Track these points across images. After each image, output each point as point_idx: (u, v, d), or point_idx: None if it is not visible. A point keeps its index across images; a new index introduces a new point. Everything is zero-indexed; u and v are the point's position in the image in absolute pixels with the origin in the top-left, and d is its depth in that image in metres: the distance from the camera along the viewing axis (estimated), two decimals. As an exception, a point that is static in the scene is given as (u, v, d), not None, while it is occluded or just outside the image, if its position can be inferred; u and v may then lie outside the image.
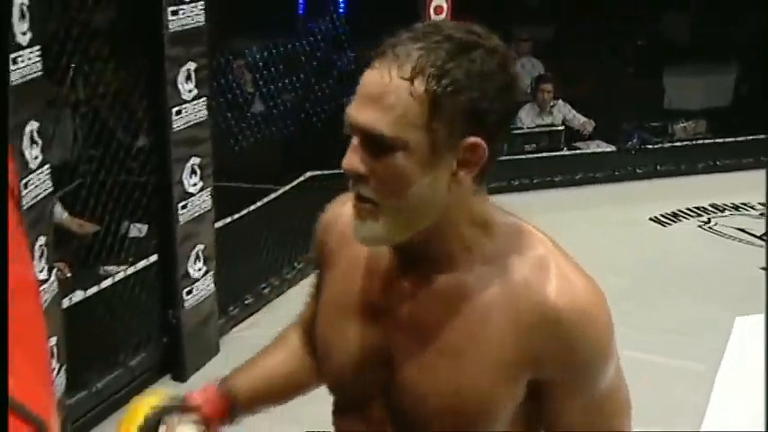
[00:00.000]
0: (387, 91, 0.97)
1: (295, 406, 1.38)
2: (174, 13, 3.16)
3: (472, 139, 0.98)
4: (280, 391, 1.36)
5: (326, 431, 1.27)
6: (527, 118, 5.88)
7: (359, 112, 0.99)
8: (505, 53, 1.01)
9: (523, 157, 5.51)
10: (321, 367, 1.19)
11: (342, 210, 1.14)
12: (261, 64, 4.90)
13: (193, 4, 3.23)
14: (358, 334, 1.10)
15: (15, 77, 2.41)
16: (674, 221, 5.07)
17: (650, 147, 5.93)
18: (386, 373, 1.08)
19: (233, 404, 1.30)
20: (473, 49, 0.98)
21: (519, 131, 5.66)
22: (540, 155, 5.56)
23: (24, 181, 2.48)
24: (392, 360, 1.08)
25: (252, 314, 3.96)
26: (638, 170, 5.76)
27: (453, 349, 1.04)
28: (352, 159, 0.99)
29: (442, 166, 0.99)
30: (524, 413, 1.06)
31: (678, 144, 6.03)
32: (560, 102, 5.90)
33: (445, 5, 4.69)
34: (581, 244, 5.09)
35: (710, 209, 5.20)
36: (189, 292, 3.41)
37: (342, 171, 1.02)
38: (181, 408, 1.26)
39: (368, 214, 1.01)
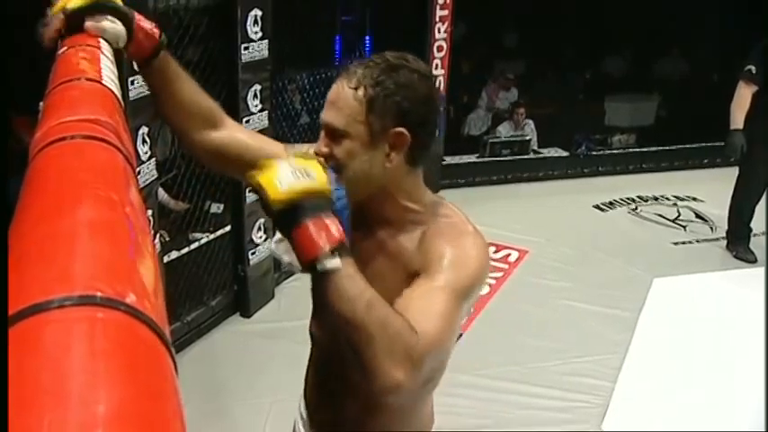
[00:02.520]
0: (340, 97, 1.04)
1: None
2: (246, 48, 3.18)
3: (398, 129, 1.03)
4: (179, 84, 1.18)
5: None
6: (504, 131, 5.87)
7: (325, 114, 1.06)
8: (425, 73, 1.07)
9: (501, 159, 5.49)
10: None
11: None
12: (307, 87, 4.91)
13: (260, 42, 3.24)
14: None
15: (132, 94, 2.44)
16: (610, 208, 5.05)
17: (594, 153, 5.89)
18: None
19: (158, 47, 1.13)
20: (400, 68, 1.04)
21: (497, 140, 5.64)
22: (513, 157, 5.54)
23: (138, 170, 2.51)
24: None
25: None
26: (584, 170, 5.72)
27: (380, 277, 1.04)
28: (320, 145, 1.06)
29: (379, 148, 1.04)
30: None
31: (615, 151, 5.99)
32: (530, 121, 5.88)
33: (445, 45, 4.67)
34: (542, 223, 5.07)
35: (637, 199, 5.17)
36: (253, 253, 3.45)
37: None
38: (115, 11, 1.04)
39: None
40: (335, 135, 1.04)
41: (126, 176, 0.51)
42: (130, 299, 0.32)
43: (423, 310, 0.96)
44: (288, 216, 0.89)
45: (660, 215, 4.87)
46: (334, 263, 0.88)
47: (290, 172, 0.89)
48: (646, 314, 3.50)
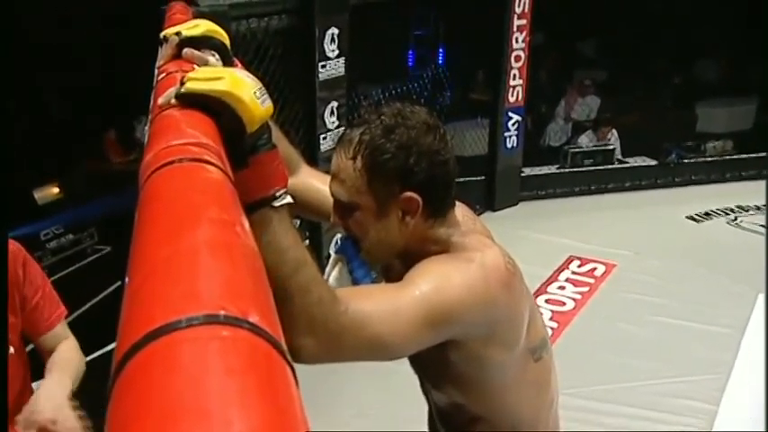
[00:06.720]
0: (341, 169, 1.02)
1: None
2: (323, 66, 3.26)
3: (407, 195, 1.00)
4: None
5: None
6: (586, 141, 5.73)
7: (331, 185, 1.04)
8: (423, 128, 1.01)
9: (583, 169, 5.35)
10: None
11: None
12: (382, 102, 4.98)
13: (336, 60, 3.32)
14: None
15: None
16: (706, 219, 4.81)
17: (686, 161, 5.65)
18: None
19: None
20: (396, 127, 1.00)
21: (579, 150, 5.51)
22: (596, 168, 5.39)
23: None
24: None
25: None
26: (675, 179, 5.48)
27: None
28: (334, 216, 1.06)
29: (391, 215, 1.02)
30: None
31: (710, 159, 5.71)
32: (614, 130, 5.73)
33: (523, 55, 4.61)
34: (630, 235, 4.86)
35: (737, 209, 4.90)
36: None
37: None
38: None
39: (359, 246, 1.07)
40: (345, 208, 1.03)
41: (233, 197, 0.53)
42: (253, 317, 0.34)
43: (372, 295, 0.93)
44: (256, 139, 0.78)
45: (763, 225, 4.59)
46: (288, 198, 0.81)
47: (257, 90, 0.77)
48: (751, 332, 3.30)
